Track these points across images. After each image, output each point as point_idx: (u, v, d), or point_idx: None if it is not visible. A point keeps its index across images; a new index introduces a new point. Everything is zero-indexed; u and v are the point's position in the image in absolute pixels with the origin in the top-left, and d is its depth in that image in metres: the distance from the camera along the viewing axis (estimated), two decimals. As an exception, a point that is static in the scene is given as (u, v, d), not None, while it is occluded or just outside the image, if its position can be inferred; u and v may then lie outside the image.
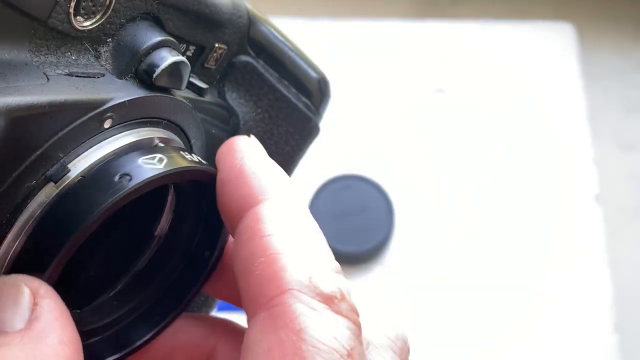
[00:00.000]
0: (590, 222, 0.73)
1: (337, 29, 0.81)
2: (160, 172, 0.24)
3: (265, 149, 0.30)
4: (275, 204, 0.27)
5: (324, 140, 0.81)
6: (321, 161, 0.75)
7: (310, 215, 0.28)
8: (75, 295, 0.25)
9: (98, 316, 0.27)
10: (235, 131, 0.31)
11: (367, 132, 0.76)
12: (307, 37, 0.80)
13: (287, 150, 0.33)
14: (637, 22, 0.86)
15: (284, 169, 0.29)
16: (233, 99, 0.31)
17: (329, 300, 0.25)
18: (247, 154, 0.28)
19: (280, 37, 0.31)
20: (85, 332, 0.26)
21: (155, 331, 0.28)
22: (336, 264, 0.27)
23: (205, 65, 0.29)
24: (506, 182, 0.75)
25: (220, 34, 0.28)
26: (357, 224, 0.70)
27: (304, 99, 0.33)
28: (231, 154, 0.28)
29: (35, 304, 0.23)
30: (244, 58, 0.30)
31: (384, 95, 0.78)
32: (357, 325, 0.26)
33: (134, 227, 0.24)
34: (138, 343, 0.28)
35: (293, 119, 0.32)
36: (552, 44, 0.81)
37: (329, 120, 0.82)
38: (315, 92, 0.33)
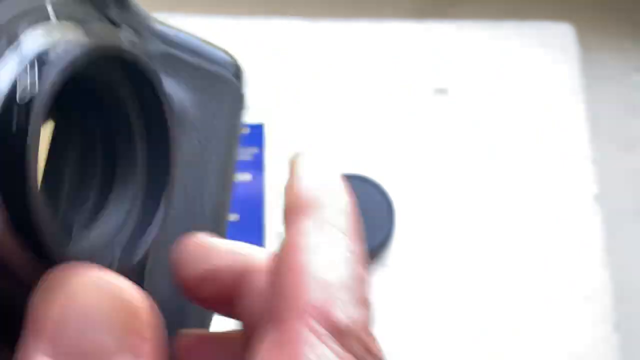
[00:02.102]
0: (590, 222, 0.73)
1: (337, 29, 0.81)
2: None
3: (204, 129, 0.30)
4: (321, 217, 0.25)
5: (324, 140, 0.81)
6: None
7: (355, 232, 0.27)
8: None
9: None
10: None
11: (367, 132, 0.76)
12: (307, 37, 0.80)
13: (225, 127, 0.33)
14: (638, 22, 0.86)
15: (229, 145, 0.28)
16: None
17: (340, 333, 0.23)
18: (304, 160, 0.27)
19: (179, 30, 0.32)
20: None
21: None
22: (365, 295, 0.25)
23: None
24: (506, 182, 0.75)
25: (129, 17, 0.28)
26: (357, 224, 0.70)
27: (220, 68, 0.33)
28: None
29: None
30: (155, 47, 0.30)
31: (384, 96, 0.78)
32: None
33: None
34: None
35: (218, 88, 0.32)
36: (552, 44, 0.81)
37: (329, 120, 0.83)
38: (229, 65, 0.33)
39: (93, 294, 0.21)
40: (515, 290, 0.71)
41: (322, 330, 0.22)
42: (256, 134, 0.75)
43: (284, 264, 0.24)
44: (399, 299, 0.70)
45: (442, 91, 0.79)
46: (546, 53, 0.81)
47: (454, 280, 0.71)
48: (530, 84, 0.79)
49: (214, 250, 0.28)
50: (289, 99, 0.77)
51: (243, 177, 0.73)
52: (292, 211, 0.25)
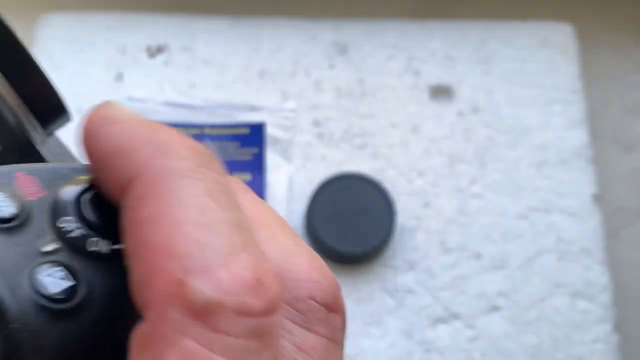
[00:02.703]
0: (590, 222, 0.73)
1: (337, 29, 0.81)
2: None
3: None
4: (155, 176, 0.20)
5: (324, 140, 0.81)
6: (321, 161, 0.75)
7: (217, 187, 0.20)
8: None
9: None
10: None
11: (367, 131, 0.76)
12: (308, 37, 0.80)
13: None
14: (637, 22, 0.86)
15: None
16: None
17: (204, 312, 0.18)
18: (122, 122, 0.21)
19: None
20: None
21: None
22: (242, 243, 0.19)
23: None
24: (506, 182, 0.75)
25: None
26: (357, 224, 0.70)
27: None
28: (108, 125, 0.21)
29: None
30: None
31: (384, 95, 0.78)
32: (255, 336, 0.18)
33: None
34: None
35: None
36: (552, 44, 0.81)
37: (329, 120, 0.83)
38: None
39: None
40: (515, 290, 0.71)
41: (180, 319, 0.18)
42: (256, 134, 0.75)
43: (132, 239, 0.20)
44: (399, 300, 0.70)
45: (442, 91, 0.79)
46: (546, 53, 0.81)
47: (454, 281, 0.71)
48: (529, 83, 0.79)
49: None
50: (289, 98, 0.77)
51: (243, 177, 0.73)
52: (124, 178, 0.21)
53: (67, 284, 0.20)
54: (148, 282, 0.19)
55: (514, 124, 0.77)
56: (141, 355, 0.19)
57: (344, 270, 0.70)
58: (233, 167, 0.73)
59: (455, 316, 0.70)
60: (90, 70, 0.78)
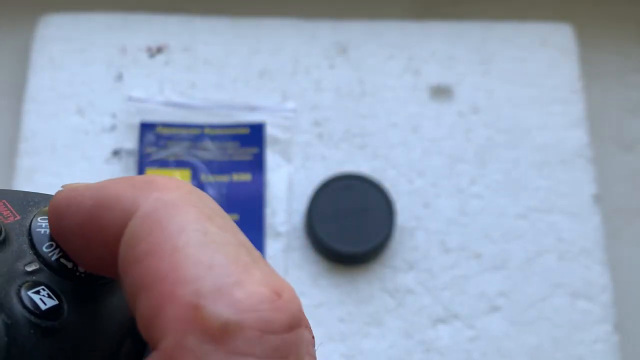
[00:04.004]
0: (590, 222, 0.73)
1: (337, 29, 0.81)
2: None
3: None
4: (148, 211, 0.20)
5: (324, 140, 0.81)
6: (321, 161, 0.75)
7: (209, 212, 0.20)
8: None
9: None
10: None
11: (367, 131, 0.76)
12: (308, 37, 0.80)
13: None
14: (638, 22, 0.86)
15: None
16: None
17: (222, 336, 0.18)
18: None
19: None
20: None
21: None
22: (254, 267, 0.19)
23: None
24: (506, 182, 0.75)
25: None
26: (357, 224, 0.70)
27: None
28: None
29: None
30: None
31: (384, 95, 0.78)
32: (280, 356, 0.18)
33: None
34: None
35: None
36: (552, 44, 0.81)
37: (330, 120, 0.83)
38: None
39: None
40: (515, 290, 0.71)
41: (199, 345, 0.18)
42: (256, 134, 0.75)
43: (134, 276, 0.19)
44: (399, 300, 0.70)
45: (441, 91, 0.79)
46: (546, 53, 0.81)
47: (454, 281, 0.71)
48: (529, 84, 0.79)
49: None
50: (289, 98, 0.77)
51: (243, 177, 0.73)
52: (116, 226, 0.21)
53: (53, 302, 0.21)
54: (158, 311, 0.18)
55: (514, 124, 0.77)
56: None
57: (344, 270, 0.70)
58: (233, 167, 0.73)
59: (455, 316, 0.70)
60: (90, 70, 0.78)
